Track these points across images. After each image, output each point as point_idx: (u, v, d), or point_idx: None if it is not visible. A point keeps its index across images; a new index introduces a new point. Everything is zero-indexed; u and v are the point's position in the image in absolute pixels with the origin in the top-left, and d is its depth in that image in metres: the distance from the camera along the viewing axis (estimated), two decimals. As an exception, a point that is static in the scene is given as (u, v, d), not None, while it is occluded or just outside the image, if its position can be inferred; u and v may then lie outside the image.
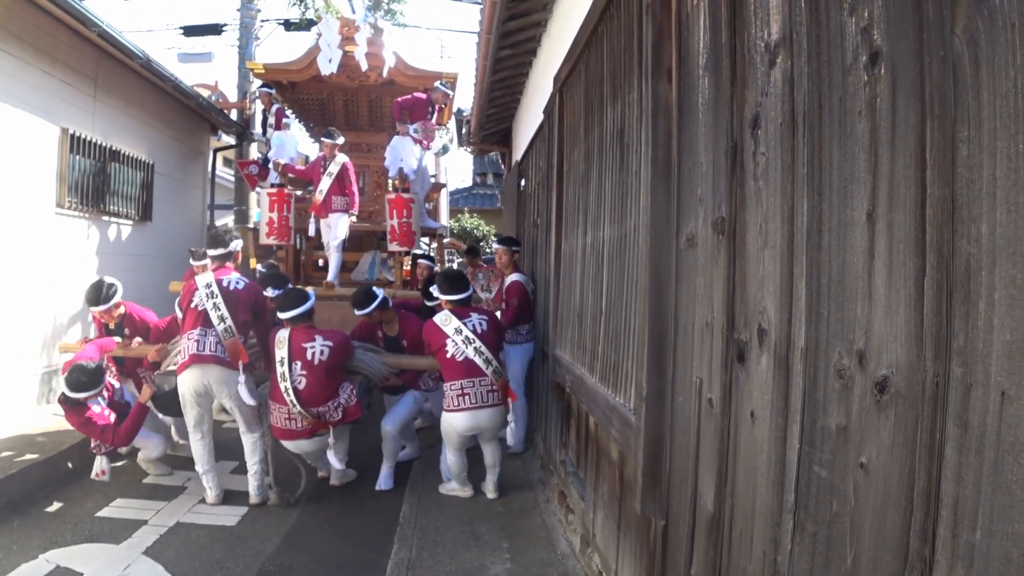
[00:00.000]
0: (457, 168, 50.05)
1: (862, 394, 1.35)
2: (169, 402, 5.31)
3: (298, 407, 4.78)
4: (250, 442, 5.10)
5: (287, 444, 5.02)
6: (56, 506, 4.91)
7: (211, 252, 5.25)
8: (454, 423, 4.93)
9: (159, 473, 5.66)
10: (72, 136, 7.58)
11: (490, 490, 5.22)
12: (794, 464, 1.60)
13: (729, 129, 2.02)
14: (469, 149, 13.17)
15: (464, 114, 12.50)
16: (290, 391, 4.77)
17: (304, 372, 4.83)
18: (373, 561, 4.22)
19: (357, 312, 5.63)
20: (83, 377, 4.90)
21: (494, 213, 20.46)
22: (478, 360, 4.91)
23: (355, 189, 8.30)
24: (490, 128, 10.35)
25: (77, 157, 7.71)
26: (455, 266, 11.91)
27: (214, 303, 4.89)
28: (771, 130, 1.76)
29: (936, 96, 1.17)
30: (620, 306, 3.23)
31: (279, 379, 4.82)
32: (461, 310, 5.17)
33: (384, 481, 5.58)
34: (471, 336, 4.96)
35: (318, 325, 5.22)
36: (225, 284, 4.99)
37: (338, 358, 4.98)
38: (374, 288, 5.75)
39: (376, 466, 5.67)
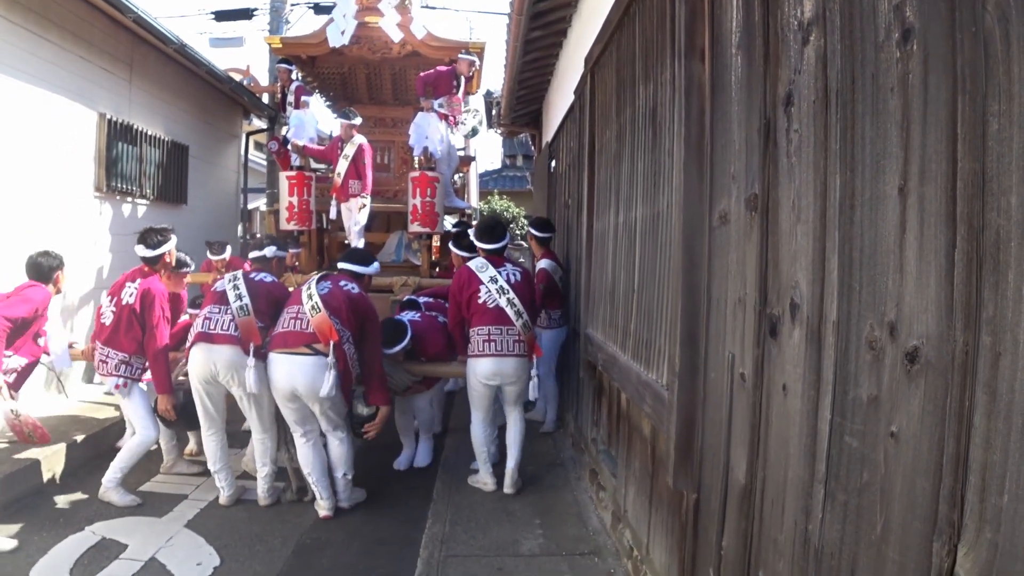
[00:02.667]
0: (487, 150, 49.90)
1: (893, 364, 1.39)
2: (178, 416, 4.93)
3: (316, 298, 4.43)
4: (259, 443, 4.77)
5: (278, 362, 4.43)
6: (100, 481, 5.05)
7: (254, 254, 5.29)
8: (476, 368, 4.83)
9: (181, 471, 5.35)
10: (109, 121, 7.73)
11: (508, 484, 4.87)
12: (825, 435, 1.64)
13: (762, 107, 2.04)
14: (499, 131, 13.17)
15: (494, 96, 12.47)
16: (314, 294, 4.46)
17: (331, 287, 4.59)
18: (407, 536, 4.32)
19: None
20: None
21: (524, 195, 20.44)
22: (509, 311, 4.78)
23: (369, 172, 7.91)
24: (520, 109, 10.34)
25: (114, 141, 7.86)
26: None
27: (234, 284, 4.70)
28: (804, 107, 1.78)
29: (967, 72, 1.19)
30: (653, 284, 3.27)
31: (303, 289, 4.59)
32: (497, 259, 5.04)
33: (422, 456, 5.64)
34: (505, 286, 4.82)
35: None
36: (252, 276, 4.87)
37: (364, 305, 4.68)
38: (406, 322, 5.31)
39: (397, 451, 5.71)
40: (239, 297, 4.61)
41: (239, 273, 4.83)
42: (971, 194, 1.18)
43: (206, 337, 4.54)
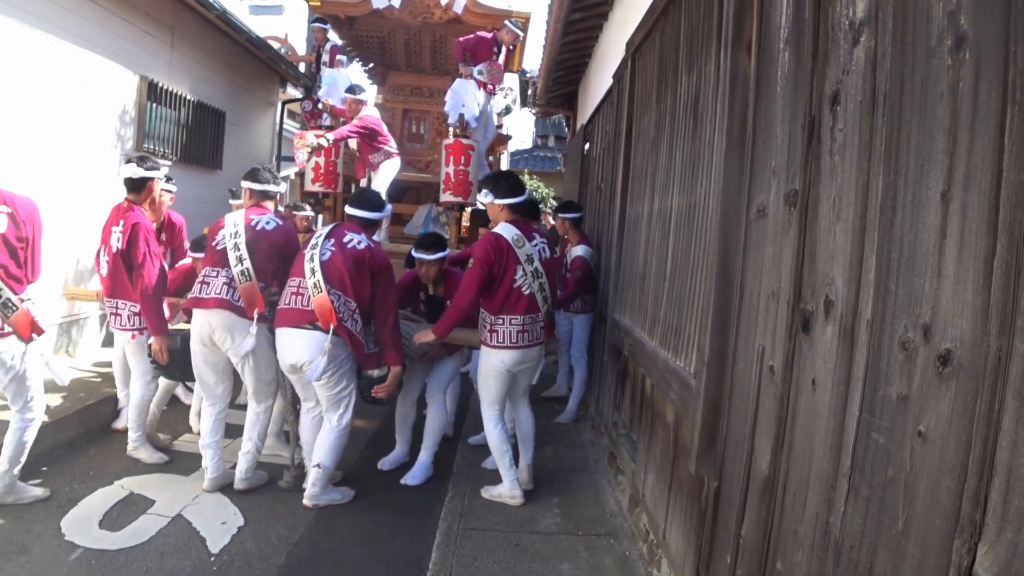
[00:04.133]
0: (519, 129, 49.75)
1: (925, 366, 1.42)
2: (173, 362, 4.62)
3: (318, 274, 4.14)
4: (252, 413, 4.52)
5: (280, 341, 4.25)
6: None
7: (245, 184, 4.60)
8: (504, 359, 4.32)
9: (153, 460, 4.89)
10: (150, 83, 7.86)
11: (526, 480, 4.55)
12: (852, 431, 1.67)
13: (808, 104, 2.06)
14: (533, 111, 13.14)
15: (528, 75, 12.42)
16: (315, 258, 4.18)
17: (335, 248, 4.25)
18: (428, 507, 4.40)
19: (418, 255, 4.89)
20: None
21: (554, 176, 20.46)
22: (539, 296, 4.35)
23: (385, 136, 7.63)
24: (556, 90, 10.31)
25: (154, 105, 7.99)
26: None
27: (235, 243, 4.30)
28: (851, 107, 1.80)
29: (1019, 83, 1.21)
30: (686, 272, 3.30)
31: (307, 251, 4.27)
32: (526, 226, 4.45)
33: (418, 473, 4.89)
34: (540, 269, 4.34)
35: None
36: (254, 223, 4.39)
37: (367, 257, 4.29)
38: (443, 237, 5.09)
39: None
40: (240, 260, 4.27)
41: (239, 223, 4.38)
42: (1014, 204, 1.20)
43: (199, 303, 4.30)
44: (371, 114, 7.67)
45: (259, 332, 4.28)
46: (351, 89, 7.60)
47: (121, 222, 4.60)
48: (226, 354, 4.36)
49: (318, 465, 4.26)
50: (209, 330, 4.27)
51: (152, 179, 4.74)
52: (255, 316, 4.27)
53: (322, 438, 4.29)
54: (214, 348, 4.35)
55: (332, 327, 4.09)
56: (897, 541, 1.46)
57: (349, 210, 4.53)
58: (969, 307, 1.30)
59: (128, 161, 4.71)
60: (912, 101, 1.53)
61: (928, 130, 1.46)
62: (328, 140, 7.27)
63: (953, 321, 1.34)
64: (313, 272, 4.15)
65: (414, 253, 4.96)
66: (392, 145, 7.76)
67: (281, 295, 4.33)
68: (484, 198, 4.61)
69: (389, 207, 4.72)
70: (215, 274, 4.31)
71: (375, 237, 4.55)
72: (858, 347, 1.68)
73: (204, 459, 4.46)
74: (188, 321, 4.57)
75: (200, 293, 4.30)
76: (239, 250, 4.28)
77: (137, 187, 4.68)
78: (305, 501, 4.28)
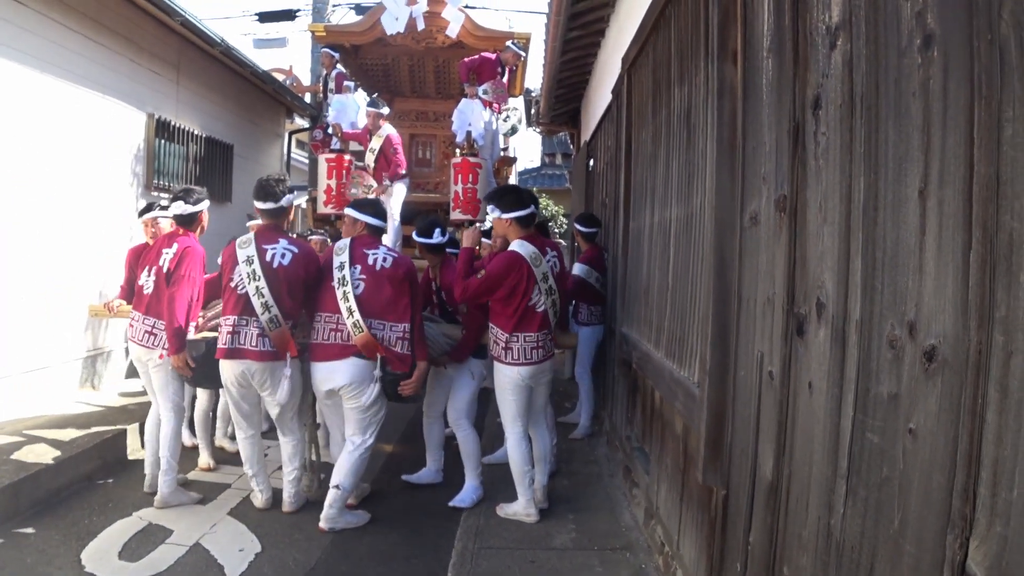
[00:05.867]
0: (526, 148, 49.95)
1: (912, 363, 1.42)
2: (202, 370, 4.58)
3: (356, 314, 4.12)
4: (290, 446, 4.57)
5: (318, 372, 4.28)
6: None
7: (258, 204, 4.44)
8: (522, 371, 4.27)
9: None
10: (158, 120, 7.98)
11: (540, 500, 4.46)
12: (848, 432, 1.68)
13: (792, 110, 2.08)
14: (538, 129, 13.24)
15: (532, 94, 12.52)
16: (349, 295, 4.15)
17: (365, 277, 4.22)
18: (444, 527, 4.40)
19: (418, 239, 4.92)
20: None
21: (563, 193, 20.47)
22: (551, 312, 4.35)
23: (401, 158, 7.81)
24: (559, 108, 10.39)
25: (163, 141, 8.11)
26: None
27: (256, 287, 4.19)
28: (831, 111, 1.82)
29: (984, 78, 1.23)
30: (686, 283, 3.31)
31: (337, 285, 4.20)
32: (539, 240, 4.41)
33: (465, 496, 4.71)
34: (553, 287, 4.32)
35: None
36: (268, 259, 4.25)
37: (401, 272, 4.29)
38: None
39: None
40: (266, 308, 4.19)
41: (255, 261, 4.24)
42: (986, 197, 1.22)
43: (233, 354, 4.26)
44: (392, 132, 7.85)
45: (293, 375, 4.32)
46: (373, 103, 7.80)
47: (174, 245, 4.62)
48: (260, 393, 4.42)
49: (337, 486, 4.24)
50: (248, 377, 4.29)
51: (200, 211, 4.75)
52: (287, 359, 4.28)
53: (344, 459, 4.29)
54: (250, 388, 4.38)
55: (380, 356, 4.17)
56: (894, 540, 1.46)
57: (354, 213, 4.46)
58: (950, 302, 1.31)
59: (175, 199, 4.72)
60: (887, 101, 1.55)
61: (903, 129, 1.48)
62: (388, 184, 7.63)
63: (936, 317, 1.35)
64: (351, 312, 4.14)
65: (415, 237, 4.98)
66: (402, 163, 7.91)
67: (314, 329, 4.28)
68: (492, 213, 4.57)
69: (398, 223, 4.68)
70: (244, 323, 4.24)
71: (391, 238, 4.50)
72: (849, 348, 1.69)
73: (254, 485, 4.60)
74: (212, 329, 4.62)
75: (232, 344, 4.25)
76: (263, 296, 4.20)
77: (187, 221, 4.71)
78: (321, 524, 4.25)
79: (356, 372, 4.17)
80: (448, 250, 5.10)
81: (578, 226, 6.53)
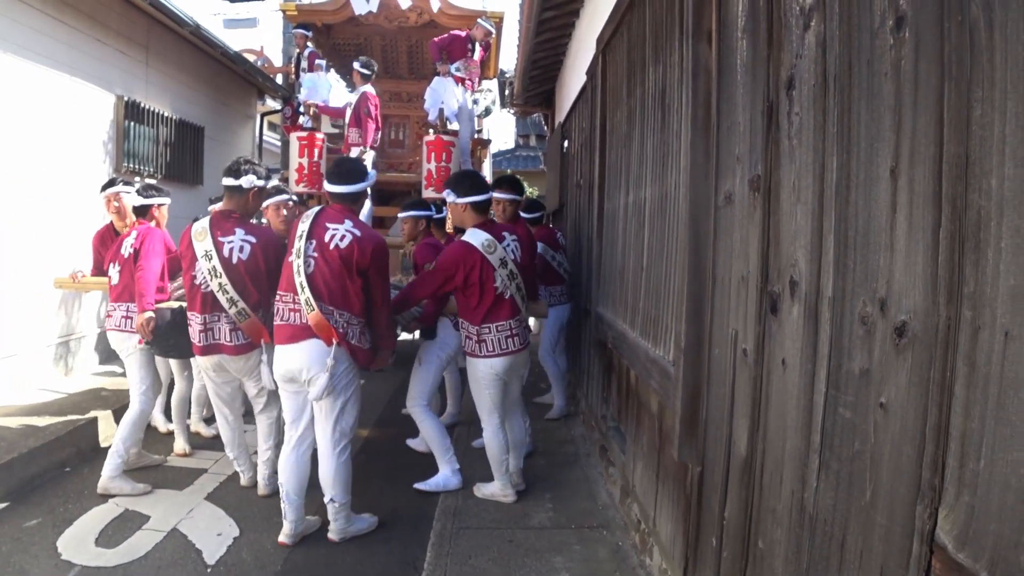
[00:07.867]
0: (500, 130, 49.63)
1: (883, 339, 1.45)
2: (167, 340, 4.52)
3: (307, 290, 3.75)
4: (265, 424, 4.52)
5: (276, 355, 3.95)
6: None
7: (224, 181, 4.27)
8: (495, 365, 4.21)
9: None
10: (127, 103, 7.83)
11: (515, 481, 4.48)
12: (820, 407, 1.71)
13: (766, 90, 2.09)
14: (512, 111, 13.19)
15: (507, 76, 12.47)
16: (301, 270, 3.77)
17: (317, 256, 3.81)
18: (422, 508, 4.42)
19: (401, 215, 5.29)
20: None
21: (537, 175, 20.45)
22: (518, 297, 4.25)
23: (371, 124, 7.76)
24: (533, 89, 10.35)
25: (132, 124, 7.97)
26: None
27: (219, 283, 4.09)
28: (805, 91, 1.83)
29: (954, 59, 1.25)
30: (661, 263, 3.33)
31: (294, 258, 3.85)
32: (494, 227, 4.34)
33: (447, 478, 4.66)
34: (514, 271, 4.23)
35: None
36: (227, 254, 4.14)
37: (355, 255, 3.82)
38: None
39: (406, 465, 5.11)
40: (232, 302, 4.11)
41: (214, 257, 4.11)
42: (955, 176, 1.24)
43: (213, 349, 4.23)
44: (370, 90, 7.91)
45: (268, 361, 4.23)
46: (366, 64, 7.93)
47: (133, 233, 4.85)
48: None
49: (332, 500, 3.93)
50: (230, 370, 4.34)
51: (151, 205, 5.07)
52: (262, 346, 4.28)
53: (324, 470, 3.91)
54: (228, 373, 4.39)
55: (335, 342, 3.78)
56: (866, 511, 1.49)
57: (328, 187, 4.05)
58: (920, 279, 1.34)
59: (138, 191, 5.11)
60: (860, 81, 1.57)
61: (875, 109, 1.50)
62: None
63: (906, 293, 1.38)
64: (302, 288, 3.77)
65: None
66: (369, 136, 7.93)
67: (276, 310, 3.96)
68: (448, 197, 4.41)
69: (373, 173, 4.31)
70: (216, 319, 4.20)
71: (362, 216, 4.31)
72: (822, 325, 1.72)
73: (237, 466, 4.76)
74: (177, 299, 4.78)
75: (207, 341, 4.21)
76: (227, 292, 4.10)
77: (142, 212, 5.03)
78: (331, 535, 4.01)
79: (311, 356, 3.79)
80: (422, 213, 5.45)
81: (523, 214, 6.44)
